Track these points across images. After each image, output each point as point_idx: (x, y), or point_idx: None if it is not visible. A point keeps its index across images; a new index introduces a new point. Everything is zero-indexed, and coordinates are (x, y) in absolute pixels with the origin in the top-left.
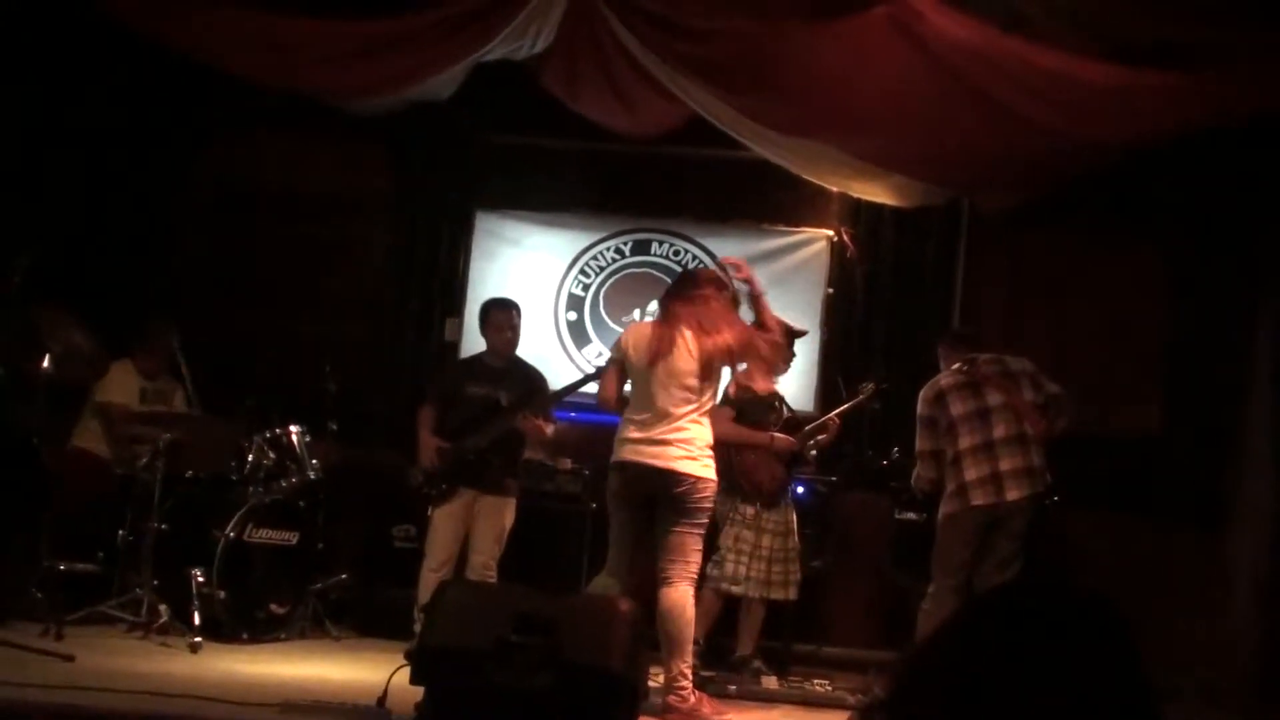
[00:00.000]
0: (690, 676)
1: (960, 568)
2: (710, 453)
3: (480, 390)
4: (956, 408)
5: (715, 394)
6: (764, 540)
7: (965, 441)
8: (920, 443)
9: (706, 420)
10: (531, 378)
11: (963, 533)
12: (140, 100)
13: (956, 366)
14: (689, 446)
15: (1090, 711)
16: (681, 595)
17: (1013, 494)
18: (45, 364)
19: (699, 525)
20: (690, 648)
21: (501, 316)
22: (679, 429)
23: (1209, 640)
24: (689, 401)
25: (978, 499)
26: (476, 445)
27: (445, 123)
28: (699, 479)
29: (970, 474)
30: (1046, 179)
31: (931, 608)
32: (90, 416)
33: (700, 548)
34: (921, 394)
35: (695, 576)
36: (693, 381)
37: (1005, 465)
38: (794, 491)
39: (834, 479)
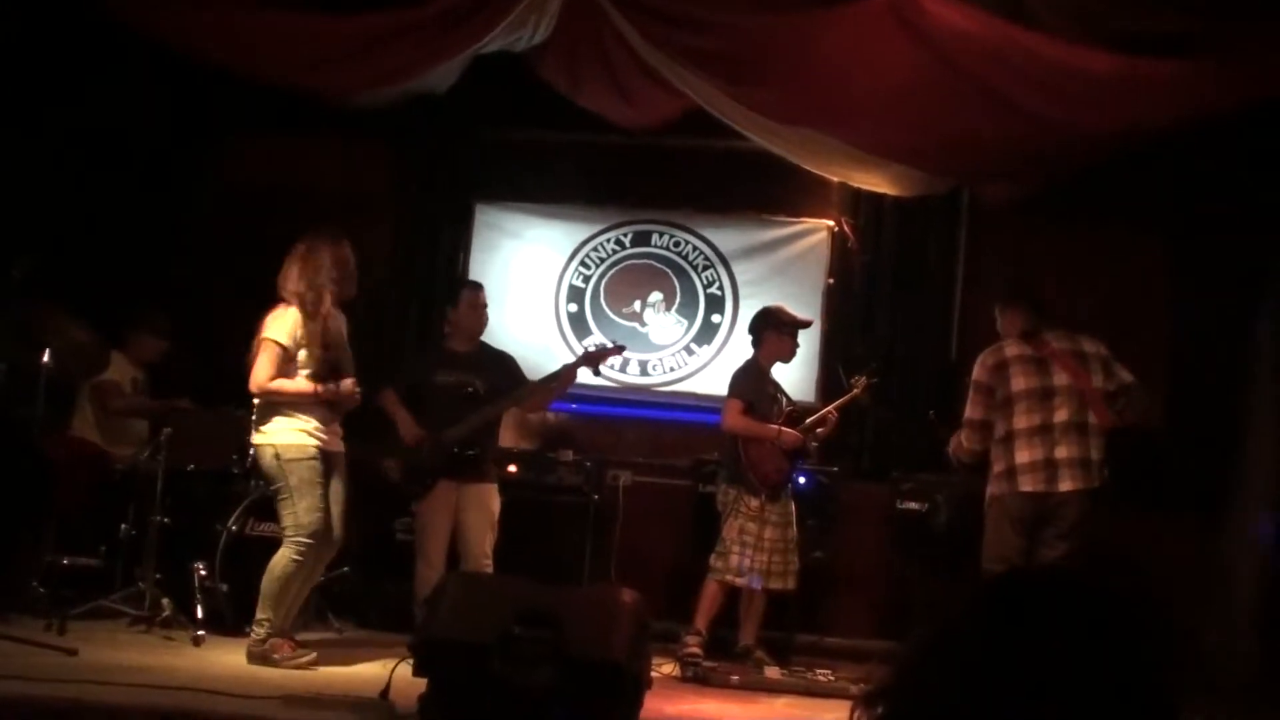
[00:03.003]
0: (265, 626)
1: (1006, 557)
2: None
3: (451, 378)
4: (1019, 382)
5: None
6: (766, 532)
7: (1022, 420)
8: (971, 410)
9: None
10: (503, 361)
11: (1010, 519)
12: (142, 99)
13: (1022, 335)
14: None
15: (1104, 709)
16: (277, 555)
17: (1066, 485)
18: (45, 359)
19: (277, 491)
20: (269, 600)
21: (472, 295)
22: None
23: (1211, 632)
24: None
25: (1027, 485)
26: (458, 436)
27: (445, 116)
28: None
29: (1023, 456)
30: (1048, 169)
31: None
32: (85, 403)
33: (284, 513)
34: (981, 359)
35: (291, 540)
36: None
37: (1062, 453)
38: (795, 482)
39: (835, 469)
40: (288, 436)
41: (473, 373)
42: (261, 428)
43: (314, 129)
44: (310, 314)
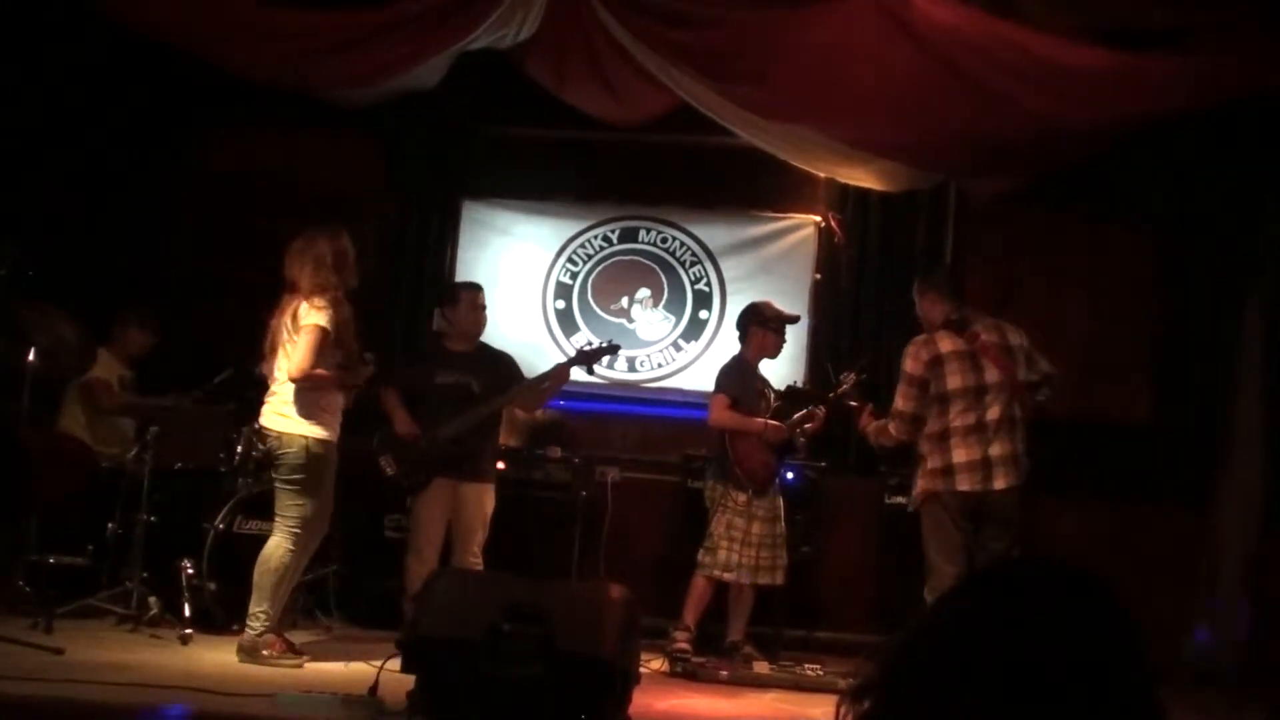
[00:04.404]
0: (262, 620)
1: (959, 549)
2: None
3: (450, 379)
4: (954, 380)
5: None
6: (754, 527)
7: (958, 419)
8: (903, 403)
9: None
10: (502, 361)
11: (952, 514)
12: (131, 94)
13: (951, 327)
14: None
15: (1088, 698)
16: (271, 545)
17: (1000, 483)
18: (30, 356)
19: (292, 481)
20: (265, 593)
21: (473, 295)
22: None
23: (1197, 621)
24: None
25: (964, 484)
26: (454, 434)
27: (432, 113)
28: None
29: (960, 455)
30: (1035, 164)
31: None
32: (73, 401)
33: (293, 503)
34: (913, 351)
35: (290, 530)
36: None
37: (996, 450)
38: (783, 478)
39: (823, 464)
40: (321, 430)
41: (471, 373)
42: (296, 416)
43: (303, 124)
44: (334, 303)
